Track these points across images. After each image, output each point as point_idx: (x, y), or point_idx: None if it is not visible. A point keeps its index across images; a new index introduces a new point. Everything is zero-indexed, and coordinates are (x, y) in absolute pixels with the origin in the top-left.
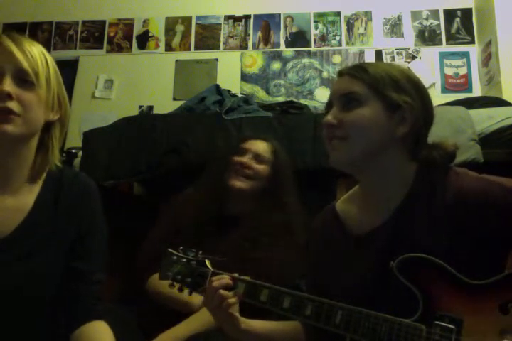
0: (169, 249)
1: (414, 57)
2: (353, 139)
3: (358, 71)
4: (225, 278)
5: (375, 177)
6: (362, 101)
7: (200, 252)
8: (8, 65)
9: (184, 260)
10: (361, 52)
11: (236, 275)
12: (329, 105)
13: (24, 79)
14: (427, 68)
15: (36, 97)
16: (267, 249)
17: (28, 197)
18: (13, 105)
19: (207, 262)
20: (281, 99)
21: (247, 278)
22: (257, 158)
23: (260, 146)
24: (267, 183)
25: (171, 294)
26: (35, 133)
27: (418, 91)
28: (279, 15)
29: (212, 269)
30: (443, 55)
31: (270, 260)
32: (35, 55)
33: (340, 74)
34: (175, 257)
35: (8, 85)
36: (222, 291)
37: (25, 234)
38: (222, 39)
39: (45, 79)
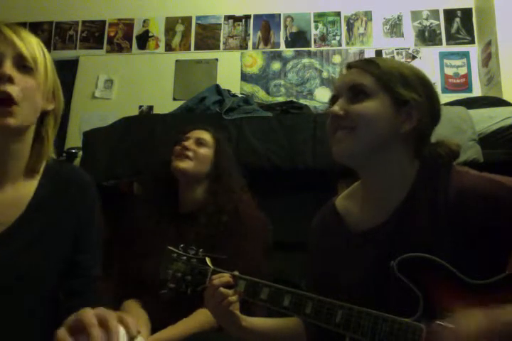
0: (169, 247)
1: (414, 57)
2: (359, 130)
3: (367, 64)
4: (226, 276)
5: (378, 174)
6: (370, 93)
7: (201, 250)
8: (8, 51)
9: (184, 258)
10: (361, 52)
11: (236, 273)
12: (335, 97)
13: (23, 64)
14: (427, 68)
15: (35, 83)
16: (228, 247)
17: (26, 190)
18: (13, 89)
19: (207, 260)
20: (281, 99)
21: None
22: (198, 141)
23: (201, 133)
24: (211, 167)
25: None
26: (33, 122)
27: (426, 89)
28: (279, 15)
29: (212, 267)
30: (443, 55)
31: (233, 255)
32: (33, 44)
33: (349, 66)
34: (175, 255)
35: (9, 69)
36: (222, 289)
37: (24, 227)
38: (222, 39)
39: (44, 67)
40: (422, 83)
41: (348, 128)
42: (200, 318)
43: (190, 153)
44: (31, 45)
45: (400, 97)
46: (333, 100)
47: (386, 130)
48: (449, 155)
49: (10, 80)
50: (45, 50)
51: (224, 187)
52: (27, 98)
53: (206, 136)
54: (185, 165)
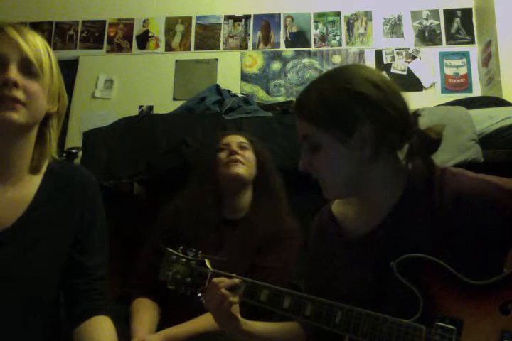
0: (169, 249)
1: (414, 57)
2: (329, 181)
3: (299, 109)
4: (232, 280)
5: (369, 188)
6: (317, 142)
7: (200, 252)
8: (13, 54)
9: (184, 260)
10: (361, 52)
11: (234, 275)
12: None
13: (29, 68)
14: (427, 68)
15: (40, 87)
16: (270, 255)
17: (29, 189)
18: (19, 93)
19: (207, 262)
20: (281, 99)
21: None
22: (240, 145)
23: (238, 137)
24: (257, 170)
25: (133, 317)
26: (37, 123)
27: (367, 99)
28: (279, 15)
29: (212, 269)
30: (443, 55)
31: (277, 267)
32: (38, 46)
33: (294, 109)
34: (174, 257)
35: (14, 74)
36: (223, 290)
37: (27, 226)
38: (222, 39)
39: (49, 71)
40: (360, 98)
41: (320, 179)
42: (211, 318)
43: (240, 157)
44: (37, 49)
45: (340, 132)
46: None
47: (350, 167)
48: (426, 146)
49: (15, 85)
50: (51, 52)
51: (269, 192)
52: (32, 101)
53: (244, 139)
54: (240, 170)
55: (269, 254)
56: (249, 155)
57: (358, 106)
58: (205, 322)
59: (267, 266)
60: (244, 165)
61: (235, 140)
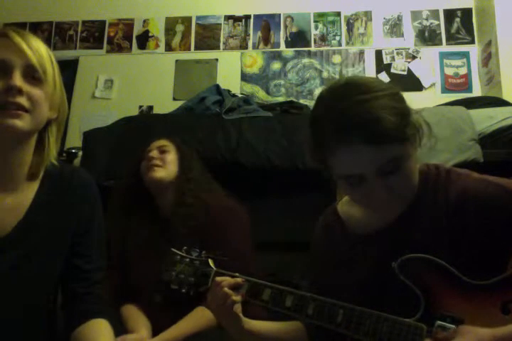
0: (172, 249)
1: (414, 57)
2: (400, 194)
3: (377, 138)
4: (235, 279)
5: None
6: (401, 159)
7: (204, 252)
8: (18, 60)
9: (187, 259)
10: (361, 52)
11: (237, 274)
12: (360, 178)
13: (33, 75)
14: (427, 68)
15: (44, 94)
16: (216, 246)
17: (26, 194)
18: (23, 100)
19: (210, 261)
20: (281, 99)
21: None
22: (160, 149)
23: (159, 142)
24: (179, 170)
25: (127, 319)
26: (38, 130)
27: (405, 104)
28: (279, 15)
29: (215, 268)
30: (443, 55)
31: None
32: (42, 53)
33: (358, 139)
34: (178, 257)
35: (19, 80)
36: (226, 289)
37: (25, 232)
38: (222, 39)
39: (52, 78)
40: (406, 105)
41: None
42: (202, 316)
43: (157, 162)
44: (41, 55)
45: (416, 136)
46: (360, 180)
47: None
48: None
49: (19, 92)
50: (54, 59)
51: (192, 187)
52: (35, 108)
53: (165, 142)
54: (158, 174)
55: (214, 246)
56: (170, 157)
57: (408, 106)
58: (198, 320)
59: (217, 256)
60: (164, 168)
61: (156, 145)
